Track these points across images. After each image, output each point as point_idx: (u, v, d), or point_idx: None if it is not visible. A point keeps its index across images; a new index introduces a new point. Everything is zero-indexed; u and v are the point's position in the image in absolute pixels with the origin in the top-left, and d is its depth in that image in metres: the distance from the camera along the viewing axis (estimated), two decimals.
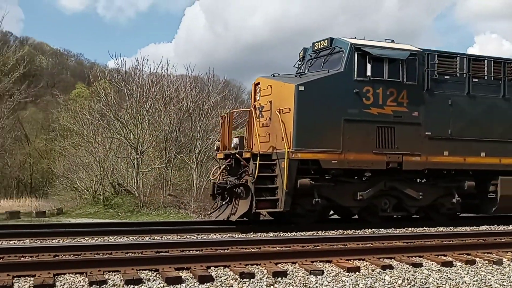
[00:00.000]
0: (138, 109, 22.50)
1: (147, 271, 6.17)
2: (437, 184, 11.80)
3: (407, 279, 6.36)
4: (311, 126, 10.53)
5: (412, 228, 11.18)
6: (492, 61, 12.28)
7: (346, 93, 10.78)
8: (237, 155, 10.70)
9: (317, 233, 10.20)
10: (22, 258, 6.79)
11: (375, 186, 11.14)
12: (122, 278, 5.85)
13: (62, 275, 5.91)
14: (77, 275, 5.96)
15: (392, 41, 11.77)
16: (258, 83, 11.72)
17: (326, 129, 10.64)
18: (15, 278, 5.73)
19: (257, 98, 11.66)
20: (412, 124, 11.25)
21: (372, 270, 6.71)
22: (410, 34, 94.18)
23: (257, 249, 7.78)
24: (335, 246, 8.19)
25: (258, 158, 10.24)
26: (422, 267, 6.97)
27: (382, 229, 10.90)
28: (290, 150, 10.27)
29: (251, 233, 9.99)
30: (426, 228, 11.25)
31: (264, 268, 6.52)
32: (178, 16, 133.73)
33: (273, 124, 10.87)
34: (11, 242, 8.57)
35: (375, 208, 11.44)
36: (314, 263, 6.88)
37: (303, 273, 6.40)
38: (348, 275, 6.44)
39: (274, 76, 11.59)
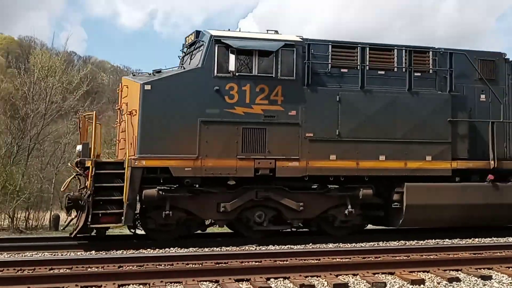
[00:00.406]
0: None
1: (207, 283, 6.23)
2: (326, 193, 10.37)
3: None
4: (159, 130, 9.51)
5: (480, 239, 10.68)
6: (403, 50, 10.80)
7: (204, 92, 9.69)
8: (70, 164, 9.63)
9: (378, 244, 9.94)
10: (89, 269, 7.02)
11: (242, 196, 9.92)
12: None
13: (126, 286, 6.07)
14: (141, 285, 6.10)
15: (276, 32, 10.56)
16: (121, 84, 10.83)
17: (178, 133, 9.56)
18: None
19: (121, 101, 10.74)
20: (288, 125, 9.97)
21: (438, 283, 6.45)
22: (471, 36, 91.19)
23: (317, 261, 7.70)
24: (397, 257, 7.95)
25: (91, 167, 9.30)
26: (492, 280, 6.63)
27: (447, 240, 10.49)
28: (133, 157, 9.42)
29: (310, 244, 9.87)
30: (494, 239, 10.71)
31: (324, 280, 6.42)
32: (232, 28, 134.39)
33: (127, 128, 9.84)
34: (78, 253, 8.94)
35: (247, 221, 10.15)
36: (376, 275, 6.71)
37: (364, 285, 6.26)
38: (412, 287, 6.23)
39: (133, 75, 10.75)
